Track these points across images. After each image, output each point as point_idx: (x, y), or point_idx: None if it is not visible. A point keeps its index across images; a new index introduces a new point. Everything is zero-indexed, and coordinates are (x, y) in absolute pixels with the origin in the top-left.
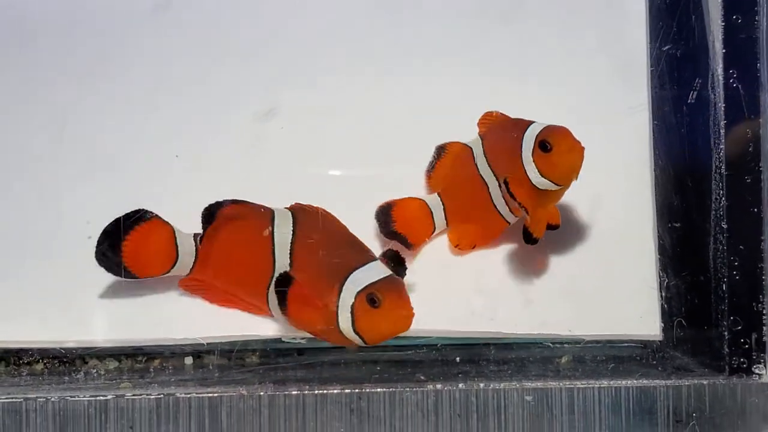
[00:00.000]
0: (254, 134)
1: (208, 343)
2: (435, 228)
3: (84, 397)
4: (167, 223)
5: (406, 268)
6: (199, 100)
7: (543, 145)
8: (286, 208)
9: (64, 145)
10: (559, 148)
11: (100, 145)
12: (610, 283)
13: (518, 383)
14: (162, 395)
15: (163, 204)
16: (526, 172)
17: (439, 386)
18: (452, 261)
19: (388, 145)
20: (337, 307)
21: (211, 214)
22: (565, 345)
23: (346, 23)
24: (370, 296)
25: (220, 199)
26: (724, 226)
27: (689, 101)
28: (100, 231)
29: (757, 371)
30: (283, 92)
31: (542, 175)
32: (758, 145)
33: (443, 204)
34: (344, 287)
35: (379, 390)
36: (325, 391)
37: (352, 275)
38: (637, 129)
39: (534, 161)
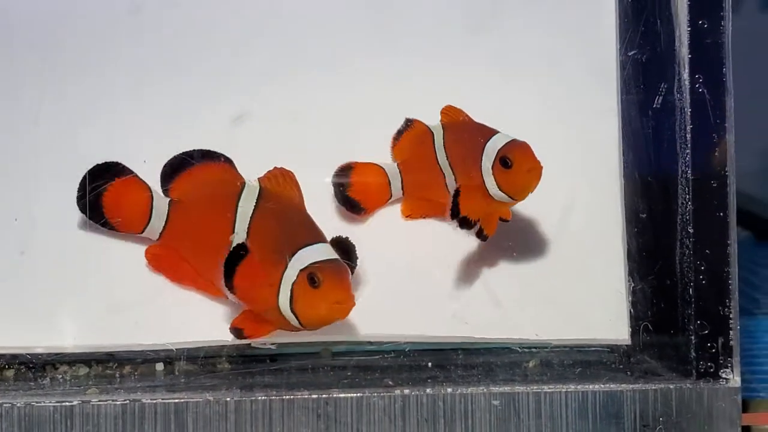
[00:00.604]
0: (226, 138)
1: (177, 349)
2: (391, 196)
3: (49, 402)
4: (145, 182)
5: (356, 258)
6: (171, 103)
7: (504, 161)
8: (258, 178)
9: (36, 147)
10: (519, 167)
11: (71, 147)
12: (578, 287)
13: (485, 388)
14: (128, 401)
15: None
16: (483, 182)
17: (406, 391)
18: (423, 266)
19: (364, 150)
20: (280, 282)
21: (174, 170)
22: (533, 349)
23: (323, 26)
24: (311, 275)
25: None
26: (691, 231)
27: (655, 106)
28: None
29: (723, 375)
30: (256, 96)
31: (500, 189)
32: (724, 149)
33: (401, 175)
34: (290, 264)
35: (346, 395)
36: (291, 397)
37: (299, 252)
38: (607, 134)
39: (493, 174)
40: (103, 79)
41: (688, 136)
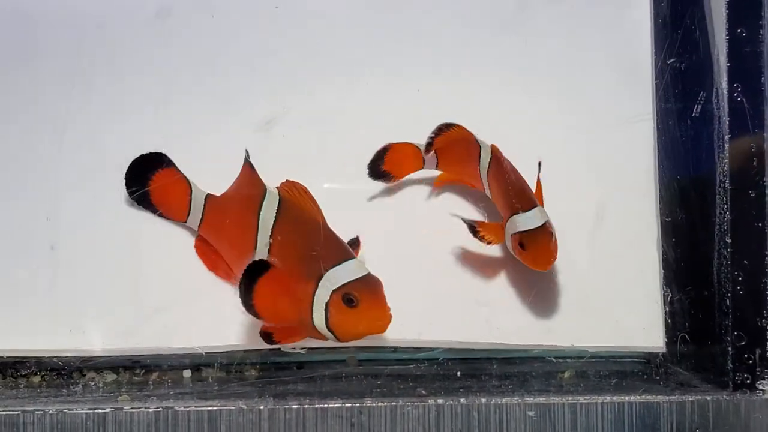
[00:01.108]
0: (255, 144)
1: (206, 353)
2: (424, 166)
3: (82, 410)
4: (184, 175)
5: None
6: (198, 108)
7: (520, 244)
8: (276, 187)
9: (63, 152)
10: (529, 253)
11: (98, 152)
12: (613, 295)
13: (520, 398)
14: (161, 408)
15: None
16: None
17: (440, 401)
18: (454, 271)
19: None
20: (312, 301)
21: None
22: (568, 360)
23: (348, 31)
24: (346, 296)
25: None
26: (728, 241)
27: (693, 115)
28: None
29: (761, 387)
30: (285, 101)
31: (515, 256)
32: (763, 159)
33: (437, 158)
34: (320, 283)
35: (380, 404)
36: (325, 405)
37: (330, 271)
38: (642, 141)
39: (511, 244)
40: (130, 82)
41: (726, 145)
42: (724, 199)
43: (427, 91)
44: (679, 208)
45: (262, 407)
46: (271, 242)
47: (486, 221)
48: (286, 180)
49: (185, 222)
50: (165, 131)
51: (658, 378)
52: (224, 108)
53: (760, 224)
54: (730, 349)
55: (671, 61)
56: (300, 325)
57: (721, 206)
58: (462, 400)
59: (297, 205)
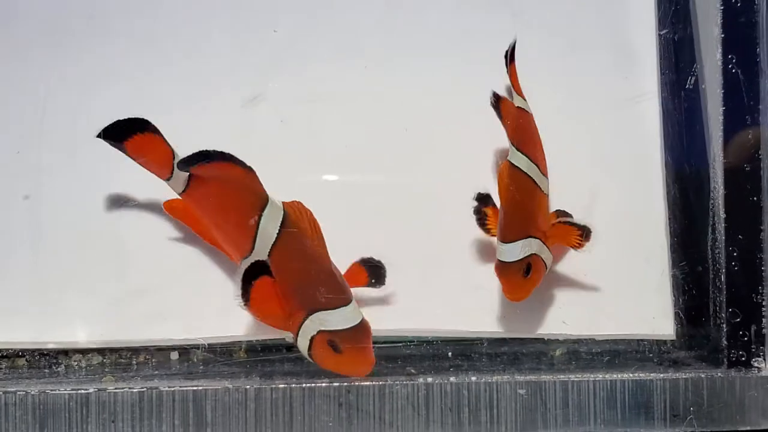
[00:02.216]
0: (239, 120)
1: (209, 344)
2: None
3: (65, 390)
4: (169, 144)
5: (384, 276)
6: (187, 85)
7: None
8: (283, 203)
9: (44, 131)
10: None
11: (82, 128)
12: (622, 283)
13: (511, 376)
14: (145, 389)
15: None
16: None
17: (429, 379)
18: (460, 260)
19: (378, 134)
20: (299, 327)
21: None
22: (559, 339)
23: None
24: (331, 342)
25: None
26: (723, 215)
27: (687, 87)
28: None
29: (756, 364)
30: (270, 77)
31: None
32: (758, 132)
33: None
34: (309, 318)
35: (368, 383)
36: (312, 385)
37: (320, 312)
38: (645, 118)
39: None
40: (114, 57)
41: (720, 118)
42: (718, 173)
43: (419, 70)
44: (673, 183)
45: (248, 387)
46: (271, 255)
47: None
48: (297, 201)
49: (166, 180)
50: (149, 106)
51: (651, 356)
52: (211, 83)
53: (755, 198)
54: (724, 325)
55: (664, 32)
56: (283, 325)
57: (715, 180)
58: (451, 378)
59: (302, 231)
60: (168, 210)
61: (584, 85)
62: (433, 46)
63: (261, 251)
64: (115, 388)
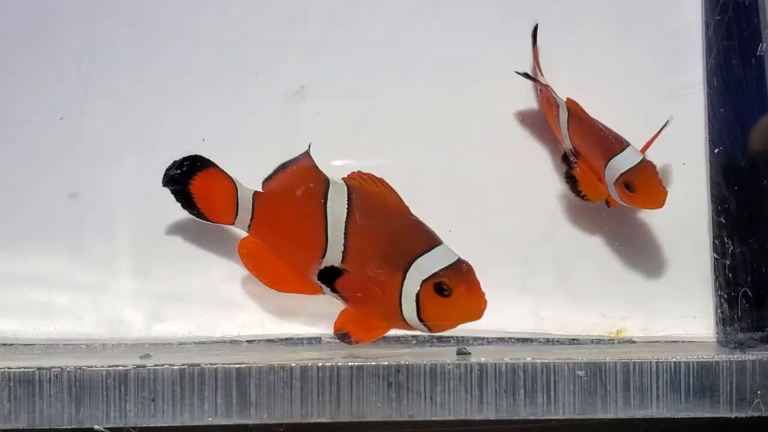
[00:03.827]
0: (286, 117)
1: (247, 341)
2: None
3: (102, 366)
4: (227, 173)
5: None
6: (226, 78)
7: (627, 185)
8: (342, 178)
9: (84, 129)
10: (642, 194)
11: (125, 129)
12: (664, 284)
13: (569, 357)
14: (186, 366)
15: None
16: (605, 184)
17: (483, 360)
18: (499, 261)
19: (424, 127)
20: (400, 294)
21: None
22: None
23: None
24: (438, 285)
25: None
26: None
27: (758, 53)
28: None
29: None
30: (315, 70)
31: (624, 203)
32: None
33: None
34: (408, 275)
35: (419, 362)
36: (361, 363)
37: (416, 262)
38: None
39: (617, 192)
40: (156, 54)
41: None
42: None
43: (461, 62)
44: (741, 154)
45: (293, 365)
46: (347, 237)
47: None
48: (355, 171)
49: (233, 224)
50: (192, 104)
51: (717, 337)
52: (253, 80)
53: None
54: None
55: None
56: (384, 319)
57: None
58: (506, 359)
59: (370, 193)
60: (244, 256)
61: (631, 74)
62: (473, 33)
63: (335, 238)
64: (155, 365)
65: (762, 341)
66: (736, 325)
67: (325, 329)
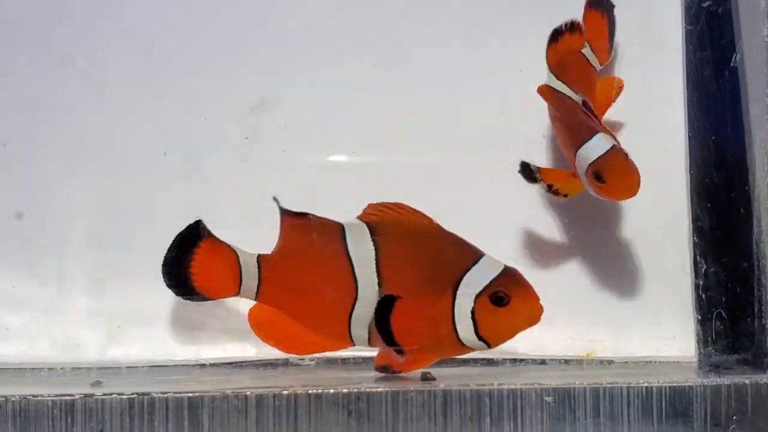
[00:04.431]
0: (246, 126)
1: (210, 365)
2: None
3: (48, 396)
4: (225, 243)
5: None
6: (189, 93)
7: (597, 176)
8: (358, 217)
9: (43, 141)
10: (612, 185)
11: (83, 141)
12: (642, 302)
13: (537, 382)
14: (135, 395)
15: (154, 204)
16: (577, 173)
17: (447, 386)
18: None
19: (388, 134)
20: (453, 316)
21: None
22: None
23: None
24: (495, 295)
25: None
26: None
27: (732, 65)
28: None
29: None
30: (276, 82)
31: (599, 196)
32: None
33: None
34: (458, 293)
35: (380, 389)
36: (319, 391)
37: (465, 278)
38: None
39: (590, 185)
40: (117, 66)
41: (766, 99)
42: (764, 159)
43: (426, 70)
44: (714, 170)
45: (248, 393)
46: (380, 275)
47: (552, 168)
48: (369, 205)
49: (237, 295)
50: (154, 118)
51: (697, 360)
52: (215, 90)
53: None
54: None
55: (707, 4)
56: (436, 348)
57: (761, 167)
58: (471, 384)
59: (395, 223)
60: (257, 328)
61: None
62: (444, 42)
63: (367, 277)
64: (104, 394)
65: (739, 364)
66: (710, 348)
67: None
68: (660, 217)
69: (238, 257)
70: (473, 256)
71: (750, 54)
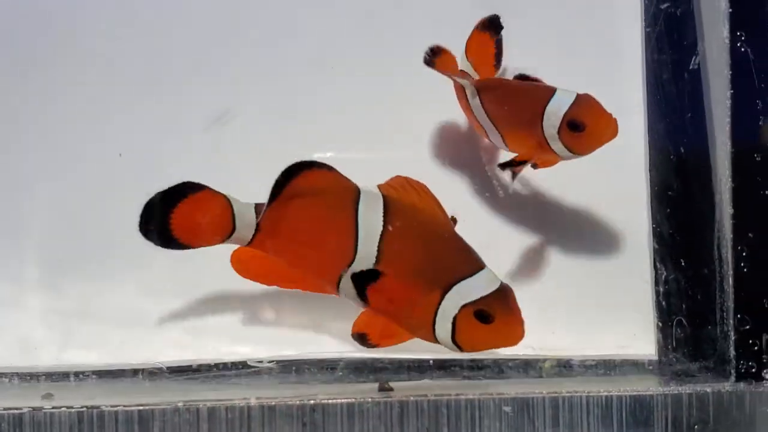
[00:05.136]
0: (208, 138)
1: (168, 368)
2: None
3: None
4: (220, 193)
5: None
6: (150, 99)
7: (573, 125)
8: (379, 186)
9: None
10: (593, 129)
11: (40, 142)
12: (603, 301)
13: (495, 392)
14: (85, 408)
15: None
16: (548, 145)
17: (404, 397)
18: None
19: (352, 146)
20: (435, 313)
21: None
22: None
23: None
24: (479, 312)
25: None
26: (730, 212)
27: (692, 67)
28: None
29: (767, 377)
30: (240, 94)
31: (570, 151)
32: None
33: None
34: (447, 296)
35: (335, 401)
36: (273, 402)
37: (458, 284)
38: (630, 100)
39: (561, 139)
40: (78, 72)
41: (729, 102)
42: (726, 164)
43: (394, 81)
44: (674, 175)
45: (201, 405)
46: (380, 251)
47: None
48: (396, 176)
49: (223, 242)
50: (114, 122)
51: (651, 368)
52: (178, 100)
53: (767, 192)
54: (732, 333)
55: (665, 6)
56: (410, 331)
57: (722, 172)
58: (429, 395)
59: (410, 206)
60: (237, 265)
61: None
62: (404, 55)
63: (368, 249)
64: (53, 407)
65: (701, 371)
66: (671, 356)
67: (251, 351)
68: (620, 223)
69: (231, 206)
70: (473, 266)
71: (711, 56)
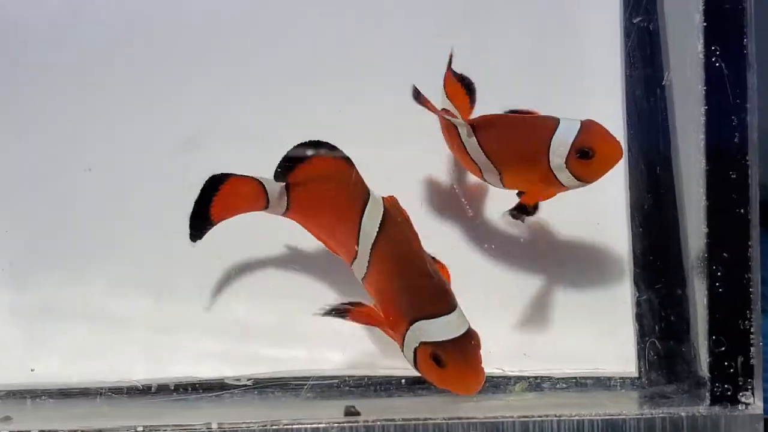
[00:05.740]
0: (177, 161)
1: (143, 386)
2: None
3: None
4: (249, 177)
5: None
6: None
7: (583, 152)
8: (382, 196)
9: None
10: (601, 154)
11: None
12: (582, 319)
13: (464, 415)
14: None
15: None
16: (555, 177)
17: (371, 420)
18: None
19: None
20: (403, 336)
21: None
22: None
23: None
24: (434, 355)
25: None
26: (705, 230)
27: (663, 83)
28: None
29: (743, 400)
30: (209, 116)
31: (578, 179)
32: (745, 134)
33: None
34: (411, 327)
35: (299, 426)
36: (234, 427)
37: (421, 322)
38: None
39: (570, 168)
40: (49, 89)
41: (702, 118)
42: (700, 182)
43: (372, 101)
44: (647, 192)
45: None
46: (372, 255)
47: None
48: (390, 195)
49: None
50: (83, 138)
51: (623, 390)
52: (148, 120)
53: (742, 210)
54: (707, 355)
55: (638, 20)
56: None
57: (697, 190)
58: (397, 419)
59: (400, 226)
60: None
61: (546, 70)
62: (378, 71)
63: (363, 251)
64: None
65: (677, 393)
66: (644, 379)
67: (214, 370)
68: (600, 244)
69: (264, 186)
70: (442, 308)
71: (683, 72)
